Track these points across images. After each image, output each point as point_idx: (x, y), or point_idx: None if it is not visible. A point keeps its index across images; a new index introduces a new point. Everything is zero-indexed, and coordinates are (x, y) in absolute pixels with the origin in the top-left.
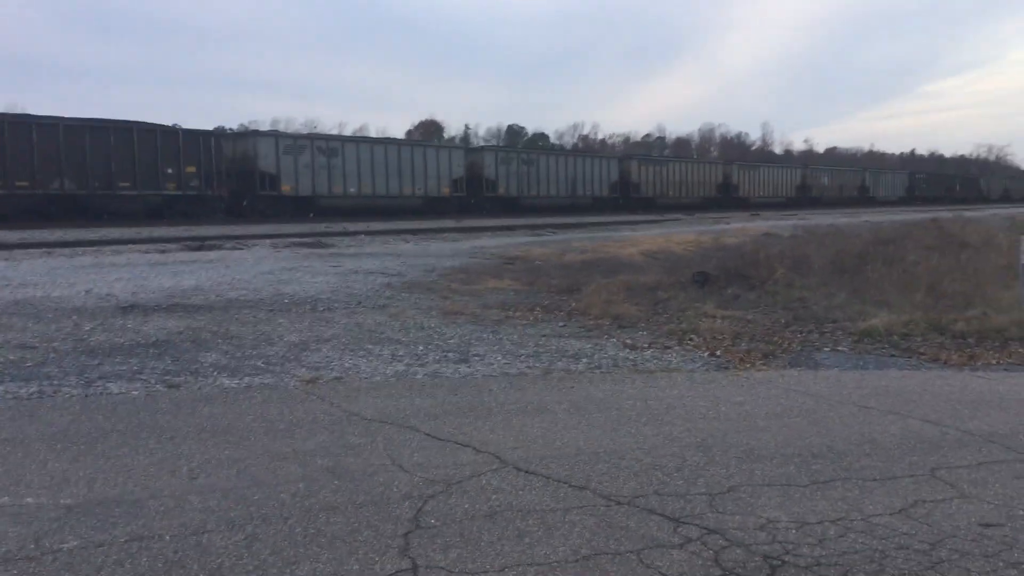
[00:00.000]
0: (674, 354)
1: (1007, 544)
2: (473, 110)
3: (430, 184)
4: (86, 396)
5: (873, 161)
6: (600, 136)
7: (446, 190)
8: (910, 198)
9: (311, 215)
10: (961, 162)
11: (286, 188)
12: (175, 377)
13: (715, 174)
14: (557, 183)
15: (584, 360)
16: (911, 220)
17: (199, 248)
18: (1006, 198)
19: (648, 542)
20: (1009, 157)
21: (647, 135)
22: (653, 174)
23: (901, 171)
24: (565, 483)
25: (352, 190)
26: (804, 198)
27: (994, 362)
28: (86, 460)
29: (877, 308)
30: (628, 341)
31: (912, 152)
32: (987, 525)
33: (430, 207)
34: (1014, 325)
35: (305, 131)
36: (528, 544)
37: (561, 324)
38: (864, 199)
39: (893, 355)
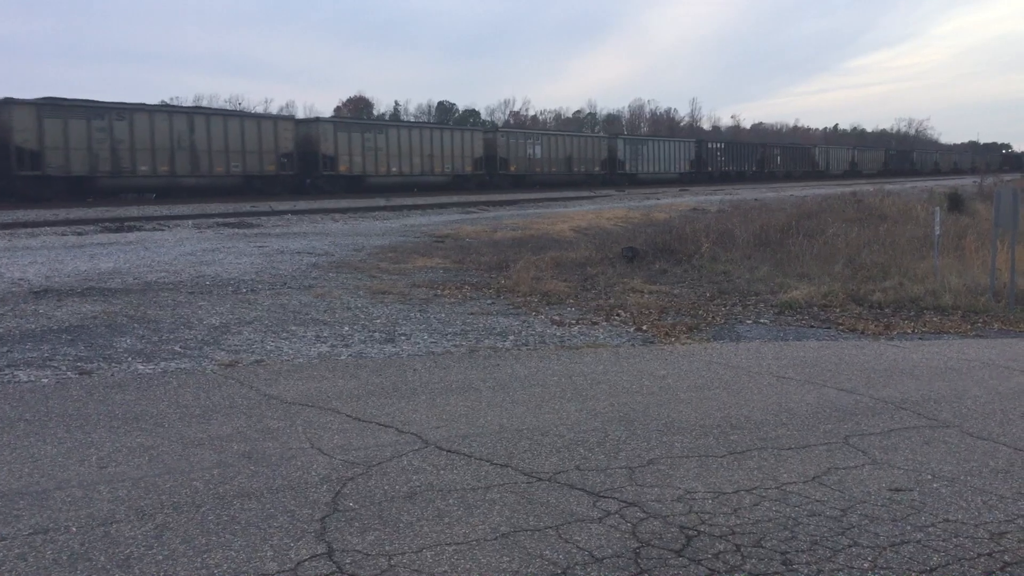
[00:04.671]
0: (601, 330)
1: (915, 508)
2: (403, 87)
3: (456, 163)
4: None
5: (798, 136)
6: (531, 113)
7: (469, 168)
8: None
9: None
10: (881, 136)
11: (343, 168)
12: (87, 363)
13: (689, 150)
14: (558, 161)
15: (511, 337)
16: (830, 194)
17: (118, 230)
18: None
19: (567, 517)
20: (928, 131)
21: (578, 111)
22: (636, 152)
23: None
24: (487, 461)
25: (395, 169)
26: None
27: (909, 331)
28: None
29: (798, 280)
30: (556, 317)
31: (835, 127)
32: (896, 490)
33: (456, 184)
34: (929, 294)
35: (354, 116)
36: (447, 524)
37: (489, 302)
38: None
39: (812, 326)
